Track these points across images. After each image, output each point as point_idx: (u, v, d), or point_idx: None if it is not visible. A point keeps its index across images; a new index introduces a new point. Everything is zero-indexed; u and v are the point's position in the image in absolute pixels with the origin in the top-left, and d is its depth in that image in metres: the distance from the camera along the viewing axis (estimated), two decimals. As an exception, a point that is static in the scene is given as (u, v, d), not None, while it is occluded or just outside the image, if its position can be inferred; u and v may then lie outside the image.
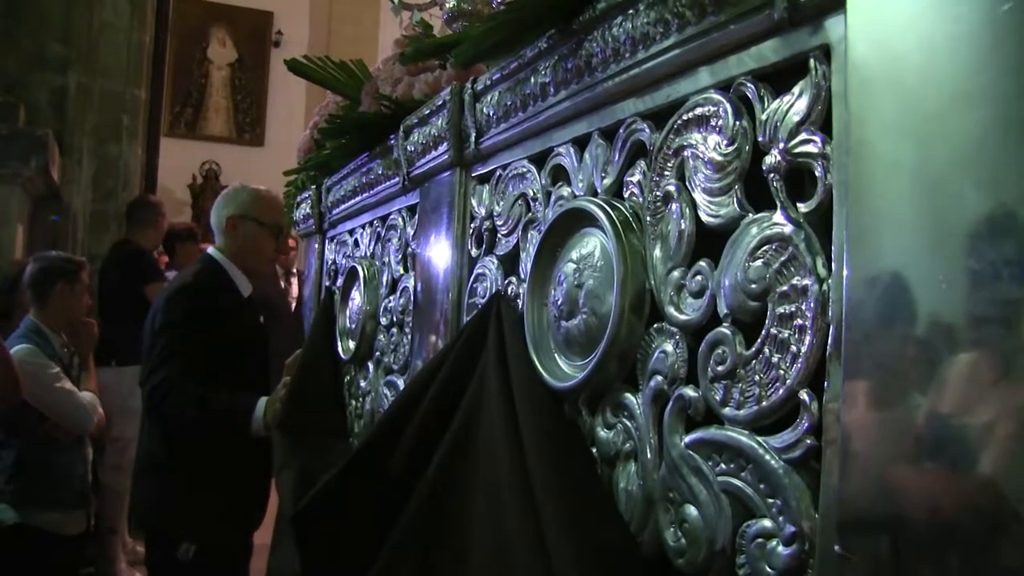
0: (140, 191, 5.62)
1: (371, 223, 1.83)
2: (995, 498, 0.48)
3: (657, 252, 0.86)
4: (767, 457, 0.70)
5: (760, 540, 0.70)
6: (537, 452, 0.91)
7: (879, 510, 0.56)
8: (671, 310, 0.83)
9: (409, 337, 1.52)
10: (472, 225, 1.32)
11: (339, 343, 1.90)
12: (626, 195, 0.91)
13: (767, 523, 0.70)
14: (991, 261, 0.49)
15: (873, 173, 0.59)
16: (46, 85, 4.93)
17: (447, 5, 1.86)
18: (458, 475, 1.05)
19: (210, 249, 2.32)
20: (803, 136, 0.68)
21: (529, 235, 1.14)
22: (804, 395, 0.65)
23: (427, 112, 1.42)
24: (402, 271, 1.62)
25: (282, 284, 5.51)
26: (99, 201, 5.39)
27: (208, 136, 8.55)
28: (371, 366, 1.73)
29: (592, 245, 0.97)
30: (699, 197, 0.79)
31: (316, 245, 2.26)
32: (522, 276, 1.08)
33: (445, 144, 1.35)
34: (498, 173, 1.25)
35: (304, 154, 2.22)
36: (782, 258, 0.68)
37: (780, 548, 0.68)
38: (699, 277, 0.78)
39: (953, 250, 0.51)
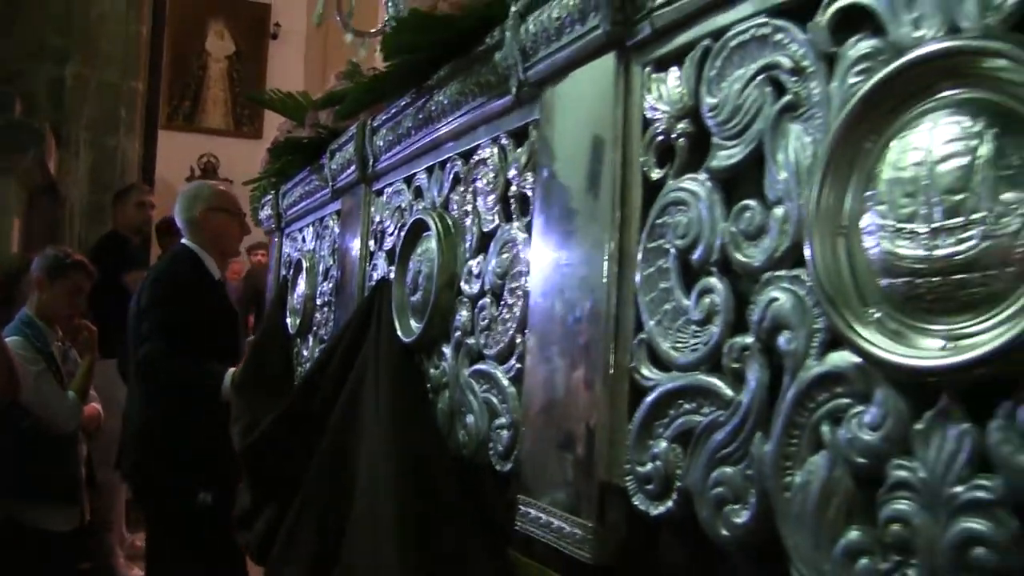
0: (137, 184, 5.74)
1: (313, 224, 2.14)
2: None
3: (461, 248, 1.28)
4: (499, 376, 1.11)
5: (497, 430, 1.11)
6: (389, 389, 1.30)
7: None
8: (465, 287, 1.26)
9: (327, 314, 1.85)
10: (372, 228, 1.68)
11: (289, 320, 2.19)
12: (450, 209, 1.31)
13: (502, 419, 1.10)
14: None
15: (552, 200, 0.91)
16: (44, 76, 4.97)
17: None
18: (348, 432, 1.32)
19: (183, 241, 2.70)
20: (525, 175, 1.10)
21: (401, 235, 1.48)
22: (518, 338, 1.07)
23: (343, 140, 1.77)
24: (331, 262, 1.90)
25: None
26: (96, 193, 5.45)
27: (206, 129, 8.55)
28: (310, 339, 2.03)
29: (428, 243, 1.36)
30: (483, 213, 1.21)
31: (276, 241, 2.55)
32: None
33: (354, 166, 1.71)
34: (386, 189, 1.63)
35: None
36: (513, 253, 1.11)
37: (504, 433, 1.09)
38: (478, 265, 1.20)
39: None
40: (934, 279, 0.55)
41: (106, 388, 3.53)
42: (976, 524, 0.52)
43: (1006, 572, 0.50)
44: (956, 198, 0.54)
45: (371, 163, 1.67)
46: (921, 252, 0.56)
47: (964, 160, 0.54)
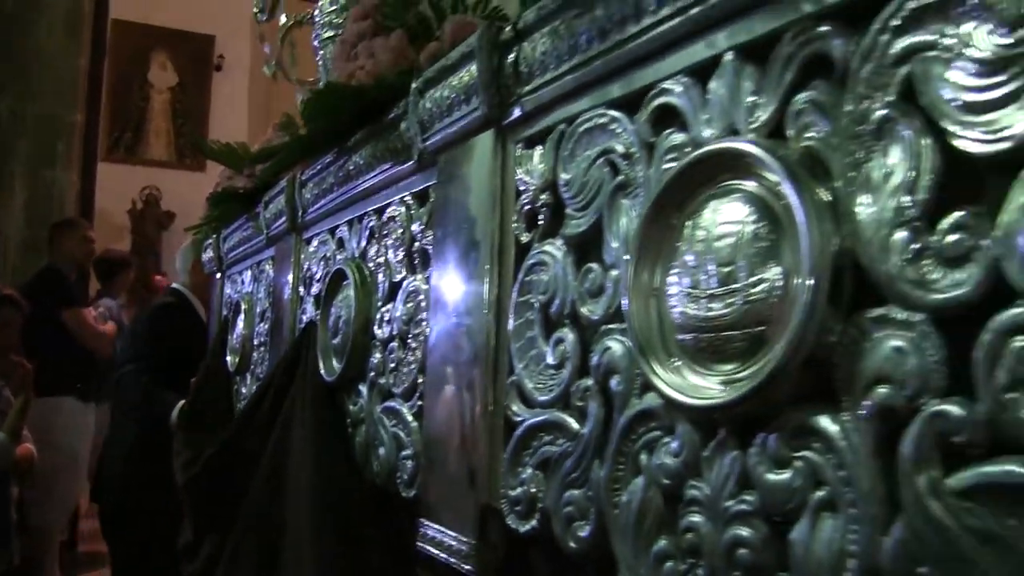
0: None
1: (251, 267, 2.27)
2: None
3: (375, 297, 1.36)
4: (405, 412, 1.24)
5: (403, 460, 1.23)
6: (312, 424, 1.43)
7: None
8: (377, 331, 1.37)
9: (263, 354, 1.93)
10: (302, 275, 1.82)
11: (229, 359, 2.28)
12: (367, 260, 1.10)
13: (407, 451, 1.22)
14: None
15: (445, 256, 0.93)
16: (-23, 110, 4.84)
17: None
18: (280, 466, 1.43)
19: (175, 284, 3.30)
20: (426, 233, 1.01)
21: (325, 283, 1.55)
22: (420, 378, 1.07)
23: (275, 191, 1.92)
24: (267, 305, 2.03)
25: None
26: (32, 227, 5.43)
27: (148, 161, 8.53)
28: (248, 377, 2.12)
29: (348, 291, 1.45)
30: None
31: (218, 282, 2.65)
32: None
33: (285, 216, 1.88)
34: (313, 239, 1.78)
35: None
36: (416, 302, 0.89)
37: (408, 463, 1.22)
38: (388, 312, 1.08)
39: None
40: (711, 335, 0.69)
41: (43, 428, 3.53)
42: (740, 531, 0.65)
43: (760, 568, 0.64)
44: (726, 269, 0.69)
45: (300, 214, 1.79)
46: (702, 313, 0.70)
47: (733, 239, 0.69)
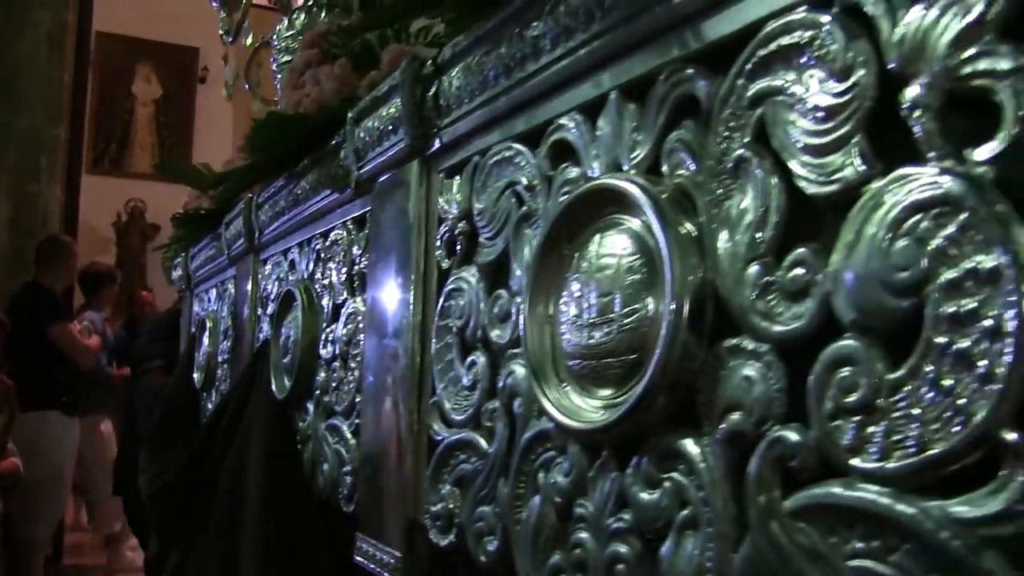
0: (60, 230, 5.72)
1: (216, 286, 2.29)
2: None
3: (320, 317, 1.31)
4: (344, 429, 1.25)
5: (343, 476, 1.27)
6: (264, 440, 1.47)
7: None
8: (322, 351, 1.32)
9: (227, 370, 1.96)
10: (259, 294, 1.85)
11: (196, 376, 2.32)
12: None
13: (347, 467, 1.25)
14: None
15: (377, 280, 0.90)
16: (-39, 124, 4.86)
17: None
18: (239, 481, 1.47)
19: None
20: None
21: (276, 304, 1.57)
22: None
23: (235, 213, 1.96)
24: (230, 323, 2.05)
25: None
26: (17, 239, 5.47)
27: (133, 173, 8.60)
28: (214, 393, 2.15)
29: (296, 312, 1.47)
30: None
31: (187, 300, 2.69)
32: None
33: (243, 238, 1.91)
34: (269, 260, 1.80)
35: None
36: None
37: (348, 479, 1.25)
38: (331, 333, 0.88)
39: None
40: (593, 361, 0.73)
41: (28, 442, 3.62)
42: (619, 547, 0.69)
43: (635, 582, 0.68)
44: (604, 300, 0.73)
45: (257, 235, 1.83)
46: (585, 340, 0.74)
47: (612, 270, 0.73)
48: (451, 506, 0.94)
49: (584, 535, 0.73)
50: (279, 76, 2.08)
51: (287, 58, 2.00)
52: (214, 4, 2.60)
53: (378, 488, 1.11)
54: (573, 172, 0.82)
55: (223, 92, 2.73)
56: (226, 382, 2.08)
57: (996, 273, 0.45)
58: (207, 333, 2.30)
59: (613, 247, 0.74)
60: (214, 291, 2.36)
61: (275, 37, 2.13)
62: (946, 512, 0.46)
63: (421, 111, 1.07)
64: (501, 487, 0.85)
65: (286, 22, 2.14)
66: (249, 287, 1.88)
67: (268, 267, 1.80)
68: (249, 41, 2.79)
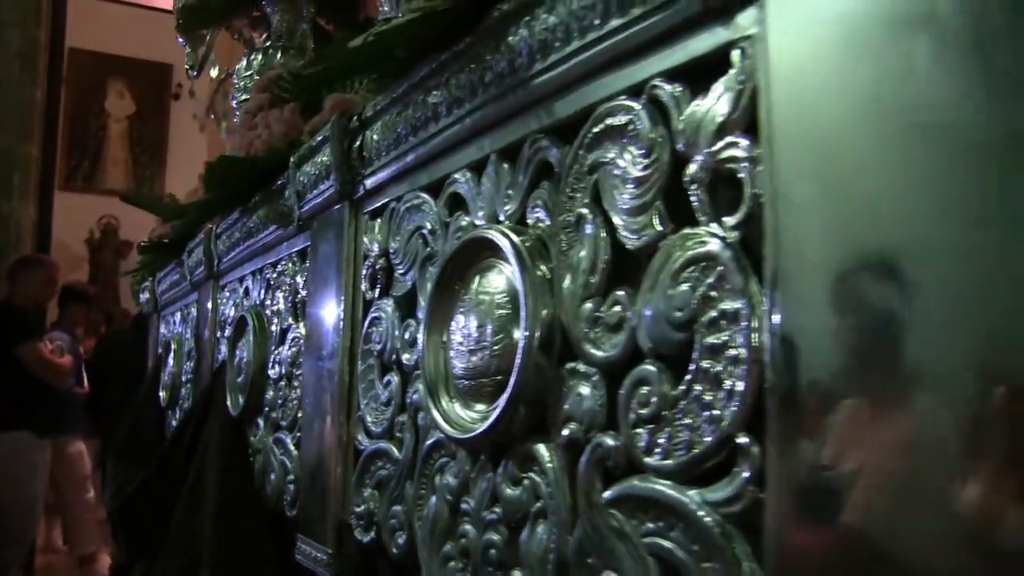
0: (32, 250, 5.75)
1: (180, 309, 2.40)
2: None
3: (269, 341, 1.40)
4: (288, 442, 1.35)
5: (288, 485, 1.38)
6: (218, 453, 1.61)
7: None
8: (271, 372, 1.40)
9: (190, 389, 2.09)
10: (219, 319, 1.98)
11: (162, 394, 2.45)
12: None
13: (291, 476, 1.37)
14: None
15: (315, 308, 0.93)
16: (-68, 143, 4.86)
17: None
18: (199, 495, 1.60)
19: None
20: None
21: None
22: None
23: (196, 242, 2.14)
24: (193, 345, 2.18)
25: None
26: None
27: (106, 190, 8.59)
28: (178, 411, 2.28)
29: (249, 336, 1.59)
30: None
31: (154, 322, 2.83)
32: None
33: (203, 265, 2.09)
34: (227, 287, 1.95)
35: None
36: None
37: (291, 487, 1.37)
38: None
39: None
40: (472, 381, 0.88)
41: (1, 464, 3.69)
42: (492, 535, 0.84)
43: (504, 563, 0.83)
44: (480, 330, 0.88)
45: (216, 263, 1.97)
46: (466, 363, 0.89)
47: (485, 305, 0.88)
48: (372, 507, 1.09)
49: (468, 527, 0.88)
50: (237, 113, 2.22)
51: (244, 97, 2.14)
52: (180, 41, 2.72)
53: (315, 494, 1.25)
54: (464, 220, 0.98)
55: (193, 120, 2.85)
56: (189, 400, 2.22)
57: (738, 314, 0.59)
58: (172, 354, 2.43)
59: (488, 286, 0.89)
60: (179, 314, 2.49)
61: (235, 76, 2.27)
62: (704, 497, 0.61)
63: (348, 160, 1.21)
64: (408, 488, 1.00)
65: (244, 62, 2.28)
66: (209, 311, 2.02)
67: (226, 293, 1.94)
68: (215, 73, 2.93)
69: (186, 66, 2.76)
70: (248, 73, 2.17)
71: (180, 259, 2.30)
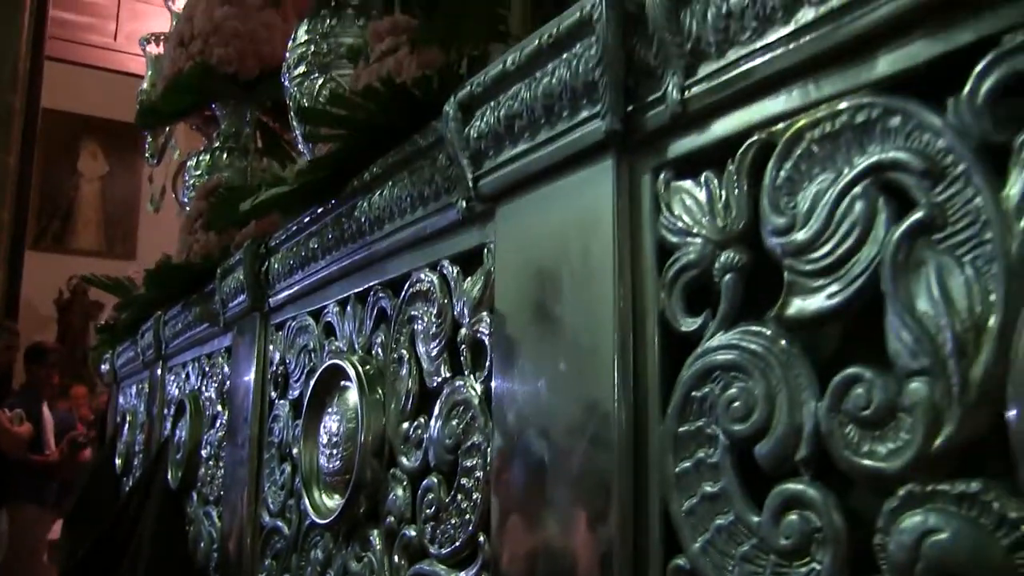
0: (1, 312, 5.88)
1: (136, 383, 2.63)
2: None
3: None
4: (214, 515, 1.53)
5: (213, 552, 1.58)
6: (160, 520, 1.77)
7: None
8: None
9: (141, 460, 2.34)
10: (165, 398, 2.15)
11: (118, 462, 2.68)
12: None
13: (215, 545, 1.56)
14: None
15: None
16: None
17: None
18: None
19: None
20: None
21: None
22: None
23: (147, 326, 2.34)
24: (145, 418, 2.42)
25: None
26: None
27: (76, 250, 8.61)
28: (130, 479, 2.50)
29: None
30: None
31: (114, 392, 3.06)
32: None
33: (152, 348, 2.31)
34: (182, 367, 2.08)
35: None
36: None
37: (215, 554, 1.58)
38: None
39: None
40: (331, 477, 1.14)
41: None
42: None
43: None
44: (337, 436, 1.14)
45: (164, 346, 2.22)
46: (327, 462, 1.15)
47: (340, 416, 1.14)
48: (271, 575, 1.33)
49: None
50: (187, 208, 2.48)
51: (193, 193, 2.40)
52: (144, 133, 2.98)
53: (232, 561, 1.49)
54: (335, 345, 1.24)
55: (148, 207, 3.11)
56: (140, 469, 2.44)
57: (479, 447, 0.86)
58: (127, 425, 2.66)
59: (344, 402, 1.16)
60: (134, 388, 2.72)
61: (187, 172, 2.54)
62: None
63: (258, 280, 1.48)
64: (295, 561, 1.25)
65: (194, 160, 2.54)
66: (157, 392, 2.26)
67: (172, 375, 2.19)
68: (176, 155, 3.20)
69: (146, 155, 3.02)
70: (198, 173, 2.44)
71: (135, 338, 2.53)
